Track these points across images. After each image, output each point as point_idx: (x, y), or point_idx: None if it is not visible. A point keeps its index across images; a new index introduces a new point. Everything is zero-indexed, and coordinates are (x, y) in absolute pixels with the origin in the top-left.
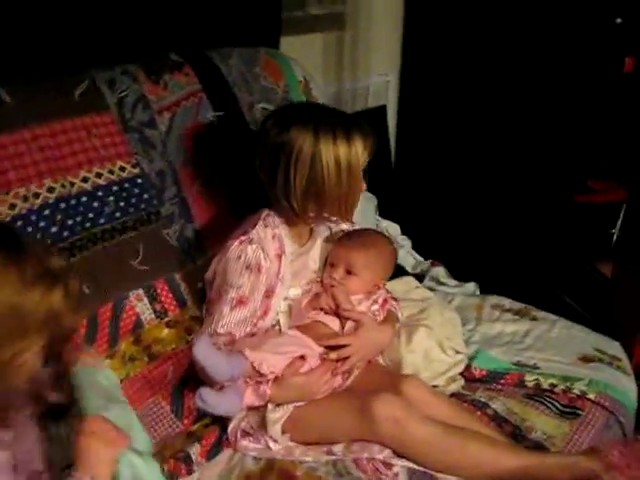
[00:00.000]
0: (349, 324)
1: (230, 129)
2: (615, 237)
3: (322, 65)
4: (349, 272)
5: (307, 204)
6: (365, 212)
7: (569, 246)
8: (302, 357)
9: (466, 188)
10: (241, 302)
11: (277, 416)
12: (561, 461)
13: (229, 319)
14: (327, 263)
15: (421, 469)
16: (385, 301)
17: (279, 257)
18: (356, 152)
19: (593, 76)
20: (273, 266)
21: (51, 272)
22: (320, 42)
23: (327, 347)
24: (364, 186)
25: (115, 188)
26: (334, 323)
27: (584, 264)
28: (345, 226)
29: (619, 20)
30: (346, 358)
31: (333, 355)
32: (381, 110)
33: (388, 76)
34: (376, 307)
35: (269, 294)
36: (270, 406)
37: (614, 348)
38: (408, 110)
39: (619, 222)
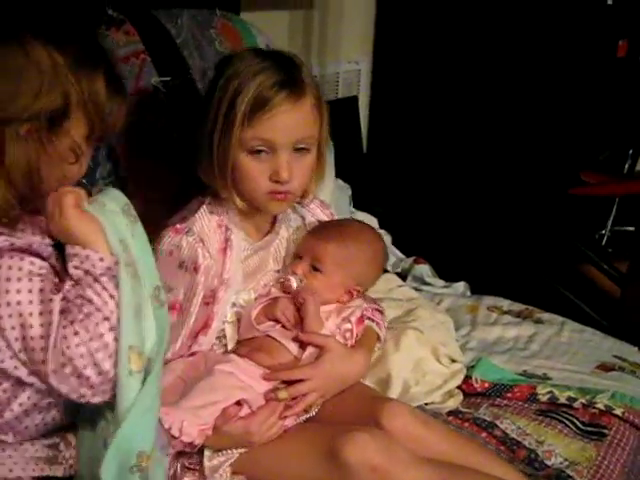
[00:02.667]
0: (310, 348)
1: (178, 97)
2: (605, 238)
3: (287, 47)
4: (315, 268)
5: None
6: (339, 203)
7: (565, 242)
8: (238, 403)
9: (450, 180)
10: (174, 309)
11: (215, 463)
12: None
13: None
14: (293, 256)
15: None
16: (361, 319)
17: (224, 252)
18: None
19: (586, 61)
20: (216, 265)
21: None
22: (285, 21)
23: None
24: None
25: None
26: (290, 342)
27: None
28: (324, 216)
29: (610, 1)
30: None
31: (282, 395)
32: (352, 101)
33: (359, 64)
34: (348, 326)
35: (209, 300)
36: (207, 452)
37: (634, 354)
38: (381, 102)
39: (609, 222)
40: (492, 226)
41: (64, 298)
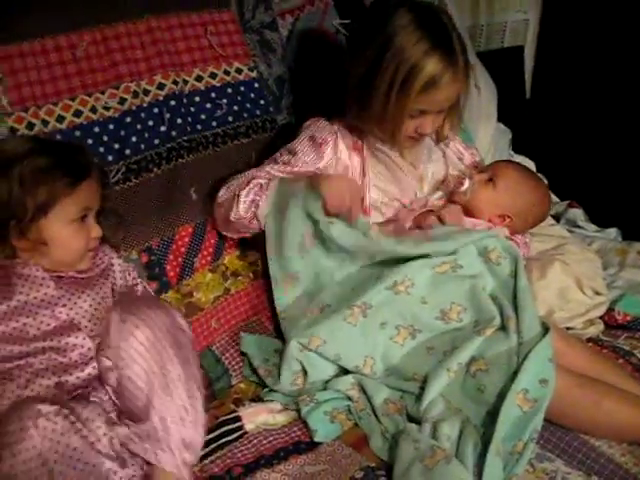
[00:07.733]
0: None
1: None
2: None
3: None
4: (491, 181)
5: (352, 103)
6: (499, 146)
7: None
8: None
9: (610, 128)
10: (287, 165)
11: None
12: None
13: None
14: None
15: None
16: None
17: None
18: (439, 83)
19: None
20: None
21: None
22: None
23: None
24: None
25: (229, 90)
26: None
27: None
28: (465, 152)
29: None
30: None
31: None
32: (518, 51)
33: (527, 14)
34: None
35: None
36: None
37: None
38: (548, 52)
39: None
40: None
41: None
